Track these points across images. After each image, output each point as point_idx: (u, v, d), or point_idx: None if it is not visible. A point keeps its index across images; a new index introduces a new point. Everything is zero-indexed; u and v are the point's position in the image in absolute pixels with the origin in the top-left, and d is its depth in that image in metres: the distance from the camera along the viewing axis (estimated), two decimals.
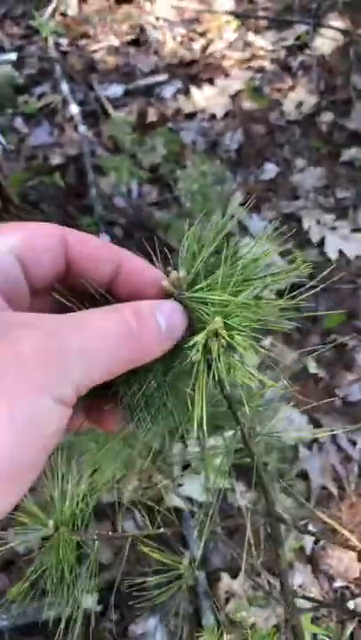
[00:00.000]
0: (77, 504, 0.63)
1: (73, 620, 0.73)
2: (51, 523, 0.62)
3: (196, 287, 0.47)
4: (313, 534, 1.53)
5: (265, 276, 0.47)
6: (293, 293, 0.48)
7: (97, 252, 0.46)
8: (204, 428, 0.46)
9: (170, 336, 0.45)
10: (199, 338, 0.44)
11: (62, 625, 0.72)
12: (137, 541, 0.84)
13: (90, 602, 1.57)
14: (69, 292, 0.47)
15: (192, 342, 0.45)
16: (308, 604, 0.93)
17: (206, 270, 0.48)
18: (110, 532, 0.67)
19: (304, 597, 0.89)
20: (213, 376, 0.46)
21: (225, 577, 1.67)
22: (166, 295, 0.47)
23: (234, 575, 1.68)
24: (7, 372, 0.34)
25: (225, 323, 0.45)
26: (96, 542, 0.62)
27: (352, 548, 0.89)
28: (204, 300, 0.46)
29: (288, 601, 0.68)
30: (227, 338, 0.44)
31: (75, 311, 0.44)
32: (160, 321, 0.44)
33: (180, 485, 1.71)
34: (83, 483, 0.65)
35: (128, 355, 0.41)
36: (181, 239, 0.49)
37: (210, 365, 0.46)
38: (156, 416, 0.48)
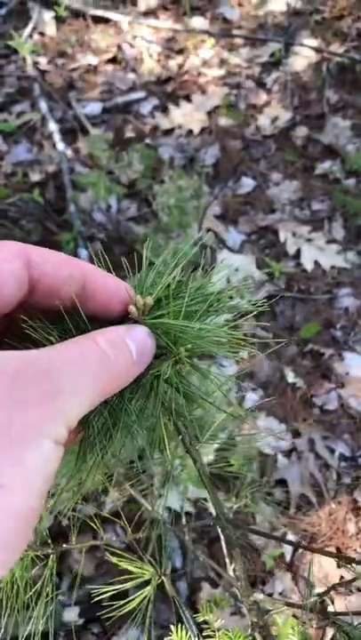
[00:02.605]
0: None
1: (53, 633, 0.74)
2: None
3: (158, 313, 0.47)
4: (287, 541, 1.55)
5: (227, 306, 0.48)
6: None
7: (60, 271, 0.45)
8: (167, 446, 0.47)
9: (141, 363, 0.45)
10: (164, 368, 0.45)
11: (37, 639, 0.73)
12: (109, 551, 0.86)
13: (71, 615, 1.58)
14: (35, 310, 0.46)
15: (155, 371, 0.45)
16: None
17: (170, 294, 0.48)
18: (65, 545, 0.69)
19: (273, 599, 0.91)
20: (161, 398, 0.47)
21: (206, 586, 1.69)
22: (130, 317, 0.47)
23: (216, 584, 1.69)
24: (12, 419, 0.34)
25: (187, 350, 0.45)
26: (52, 557, 0.64)
27: (330, 555, 0.92)
28: (166, 325, 0.46)
29: (246, 600, 0.70)
30: (188, 366, 0.46)
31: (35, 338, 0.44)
32: (131, 348, 0.44)
33: (160, 496, 1.72)
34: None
35: (108, 386, 0.42)
36: (159, 253, 0.50)
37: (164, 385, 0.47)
38: (112, 437, 0.48)
